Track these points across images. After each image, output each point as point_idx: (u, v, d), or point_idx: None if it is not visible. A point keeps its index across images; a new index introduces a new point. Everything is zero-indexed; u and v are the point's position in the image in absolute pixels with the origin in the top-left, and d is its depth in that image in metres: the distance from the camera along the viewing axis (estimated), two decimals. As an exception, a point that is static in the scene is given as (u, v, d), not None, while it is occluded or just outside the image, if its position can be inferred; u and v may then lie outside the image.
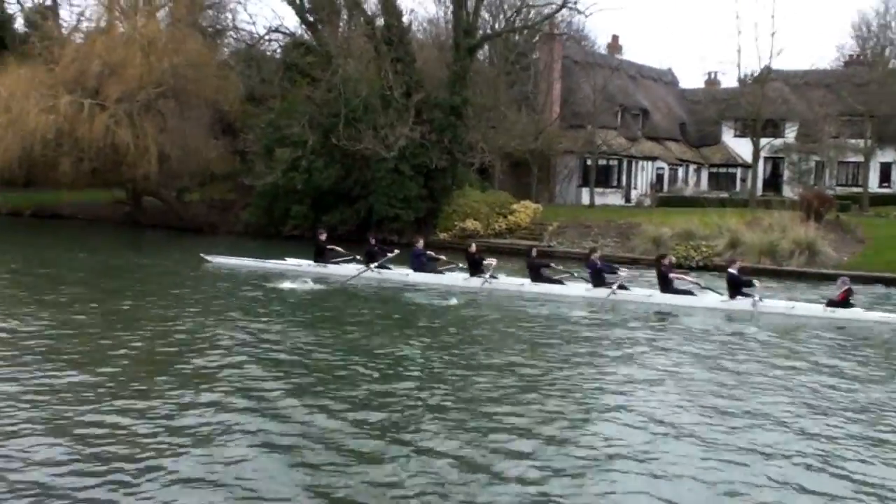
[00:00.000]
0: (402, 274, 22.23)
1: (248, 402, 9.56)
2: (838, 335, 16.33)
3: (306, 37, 39.74)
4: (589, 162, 45.14)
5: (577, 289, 20.78)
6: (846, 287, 18.45)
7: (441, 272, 22.58)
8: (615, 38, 55.92)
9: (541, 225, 36.49)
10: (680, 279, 20.44)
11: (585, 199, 44.73)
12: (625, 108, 50.62)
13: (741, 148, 52.70)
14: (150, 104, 36.55)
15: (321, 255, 23.26)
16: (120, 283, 20.56)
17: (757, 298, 18.82)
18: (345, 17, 42.25)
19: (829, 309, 18.26)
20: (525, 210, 36.76)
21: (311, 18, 36.74)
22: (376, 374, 11.24)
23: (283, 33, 41.96)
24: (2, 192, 44.92)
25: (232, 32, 45.10)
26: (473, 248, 22.86)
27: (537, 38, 46.37)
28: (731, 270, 19.71)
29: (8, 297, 17.97)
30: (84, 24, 46.65)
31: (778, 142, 50.27)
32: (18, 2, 49.67)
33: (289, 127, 35.87)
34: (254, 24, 71.99)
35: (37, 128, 33.99)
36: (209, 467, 7.47)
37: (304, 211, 36.54)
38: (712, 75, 60.93)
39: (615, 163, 48.30)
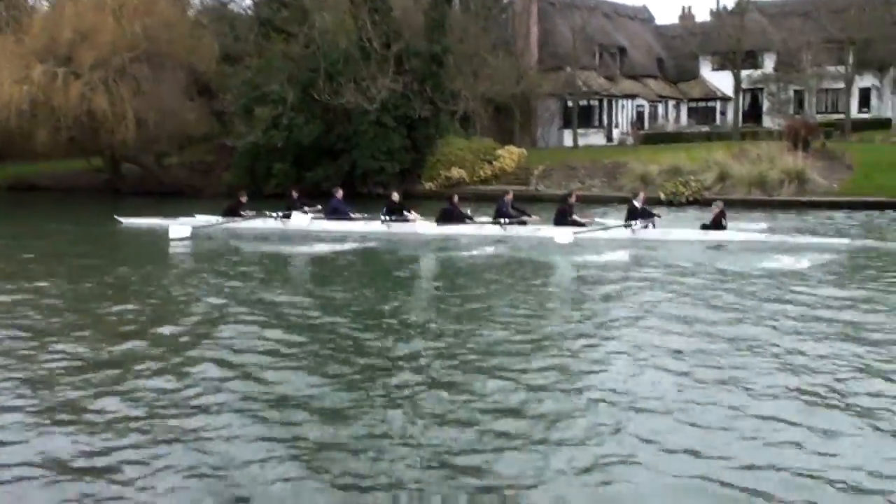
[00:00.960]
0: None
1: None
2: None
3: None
4: (570, 104, 44.93)
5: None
6: (719, 210, 19.60)
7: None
8: (589, -24, 55.25)
9: (526, 169, 36.39)
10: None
11: (567, 142, 44.65)
12: (603, 47, 50.32)
13: (719, 81, 52.64)
14: (124, 69, 35.72)
15: (232, 212, 24.32)
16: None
17: (638, 224, 19.73)
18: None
19: (702, 231, 19.51)
20: (510, 155, 36.65)
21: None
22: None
23: (256, -12, 41.18)
24: (-23, 166, 44.23)
25: (201, -10, 44.18)
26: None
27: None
28: (633, 202, 20.58)
29: None
30: (51, -8, 45.76)
31: (756, 73, 50.19)
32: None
33: (267, 85, 35.35)
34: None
35: (10, 99, 33.21)
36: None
37: (286, 169, 36.09)
38: (686, 9, 60.64)
39: (596, 103, 48.13)
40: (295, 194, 25.08)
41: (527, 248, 19.19)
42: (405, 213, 22.67)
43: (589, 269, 16.35)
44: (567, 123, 45.41)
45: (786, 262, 16.11)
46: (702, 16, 58.45)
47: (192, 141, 40.11)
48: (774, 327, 10.87)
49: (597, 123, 48.13)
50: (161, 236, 21.72)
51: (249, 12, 42.30)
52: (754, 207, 27.31)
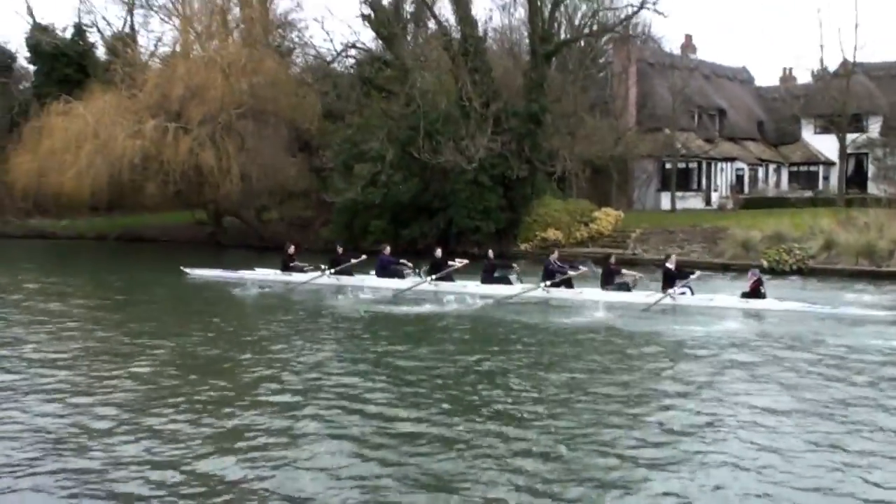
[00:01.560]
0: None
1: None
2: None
3: (382, 51, 39.80)
4: (668, 166, 44.46)
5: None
6: (756, 278, 19.87)
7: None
8: (688, 37, 54.85)
9: (623, 232, 35.99)
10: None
11: (665, 204, 44.05)
12: (701, 108, 49.78)
13: (822, 145, 51.40)
14: (230, 125, 36.95)
15: (285, 266, 25.53)
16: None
17: (676, 290, 19.84)
18: (419, 29, 42.29)
19: (742, 300, 19.61)
20: (606, 217, 36.30)
21: (386, 33, 36.75)
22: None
23: (359, 49, 42.14)
24: (88, 217, 45.84)
25: (305, 50, 45.49)
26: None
27: (609, 41, 45.75)
28: (667, 265, 20.78)
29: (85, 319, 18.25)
30: (160, 50, 47.81)
31: (862, 137, 48.93)
32: (99, 30, 50.81)
33: (366, 142, 36.02)
34: (331, 41, 72.40)
35: (124, 153, 34.70)
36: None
37: (383, 225, 36.57)
38: (787, 71, 59.64)
39: (694, 165, 47.48)
40: (340, 249, 25.99)
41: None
42: (450, 263, 23.05)
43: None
44: (665, 186, 44.88)
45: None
46: (803, 77, 57.50)
47: (291, 196, 41.06)
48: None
49: (695, 186, 47.44)
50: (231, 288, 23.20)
51: (352, 71, 43.29)
52: (861, 278, 26.40)
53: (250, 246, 39.78)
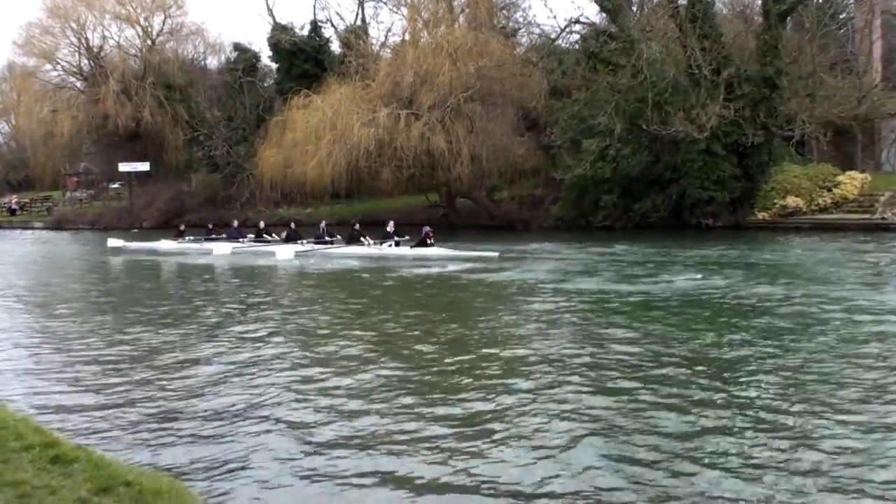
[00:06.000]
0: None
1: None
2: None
3: (606, 24, 39.36)
4: (921, 123, 41.27)
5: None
6: (426, 231, 27.87)
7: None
8: (939, -17, 50.55)
9: (870, 196, 33.93)
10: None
11: (919, 165, 40.97)
12: (957, 60, 45.76)
13: None
14: (459, 108, 37.80)
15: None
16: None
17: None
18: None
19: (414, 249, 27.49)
20: (851, 181, 34.30)
21: (610, 5, 36.27)
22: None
23: (583, 23, 41.90)
24: (329, 205, 48.34)
25: (529, 29, 45.78)
26: None
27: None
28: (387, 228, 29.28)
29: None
30: (390, 40, 49.53)
31: None
32: (333, 26, 53.25)
33: (593, 117, 35.79)
34: (554, 17, 72.30)
35: (360, 141, 36.37)
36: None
37: (613, 200, 36.32)
38: None
39: (950, 122, 43.74)
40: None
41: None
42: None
43: None
44: (918, 145, 41.70)
45: None
46: None
47: (521, 175, 41.50)
48: None
49: (953, 145, 43.72)
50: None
51: (576, 47, 43.10)
52: None
53: (481, 226, 40.64)
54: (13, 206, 68.11)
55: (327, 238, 30.90)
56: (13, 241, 45.95)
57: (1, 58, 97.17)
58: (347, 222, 43.87)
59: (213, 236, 33.88)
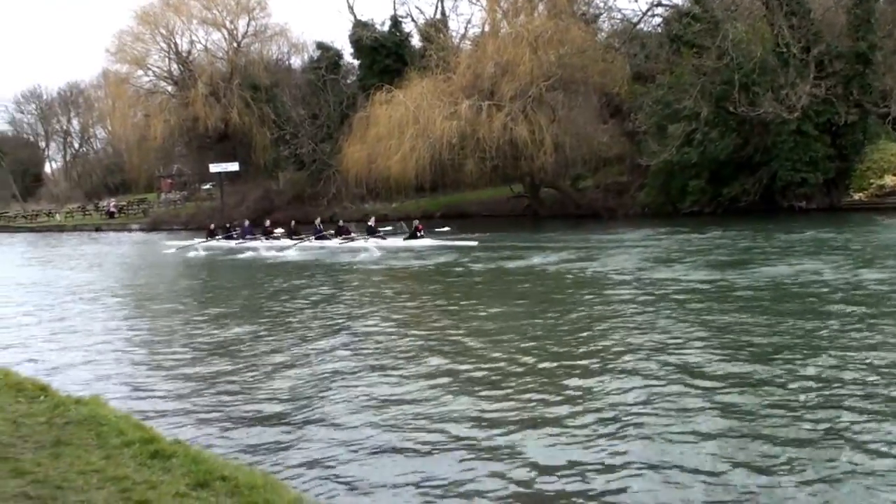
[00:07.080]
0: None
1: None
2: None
3: (689, 6, 38.53)
4: None
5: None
6: (417, 224, 30.01)
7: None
8: None
9: (976, 174, 32.51)
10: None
11: None
12: None
13: None
14: (540, 97, 37.52)
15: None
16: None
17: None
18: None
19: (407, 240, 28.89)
20: (956, 159, 32.92)
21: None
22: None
23: (665, 6, 41.12)
24: (414, 199, 48.52)
25: (610, 14, 45.15)
26: None
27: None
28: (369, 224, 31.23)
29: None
30: (470, 31, 49.45)
31: None
32: (413, 20, 53.45)
33: (679, 101, 35.12)
34: (636, 1, 71.23)
35: (442, 134, 36.43)
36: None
37: (701, 185, 35.63)
38: None
39: None
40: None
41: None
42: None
43: None
44: None
45: None
46: None
47: (605, 162, 41.03)
48: None
49: None
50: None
51: (659, 30, 42.32)
52: None
53: (567, 215, 40.25)
54: (111, 210, 70.36)
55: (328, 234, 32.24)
56: (110, 244, 47.36)
57: (96, 66, 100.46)
58: (433, 215, 44.23)
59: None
